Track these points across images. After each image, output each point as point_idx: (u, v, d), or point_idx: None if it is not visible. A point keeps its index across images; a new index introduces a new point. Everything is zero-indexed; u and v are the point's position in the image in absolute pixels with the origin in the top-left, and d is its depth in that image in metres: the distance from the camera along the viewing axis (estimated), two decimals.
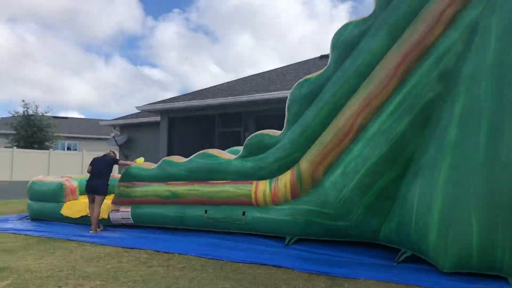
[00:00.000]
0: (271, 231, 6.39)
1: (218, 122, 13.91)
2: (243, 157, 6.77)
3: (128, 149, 17.89)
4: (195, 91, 15.62)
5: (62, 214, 8.41)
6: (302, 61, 16.95)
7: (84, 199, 9.05)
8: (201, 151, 7.26)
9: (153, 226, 7.53)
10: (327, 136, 5.91)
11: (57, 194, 8.55)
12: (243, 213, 6.60)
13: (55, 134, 30.56)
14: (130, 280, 4.59)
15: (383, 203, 5.48)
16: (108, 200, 8.20)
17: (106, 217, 7.90)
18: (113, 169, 8.04)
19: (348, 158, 5.68)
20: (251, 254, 5.68)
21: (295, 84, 6.34)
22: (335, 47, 5.98)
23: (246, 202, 6.59)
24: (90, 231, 7.53)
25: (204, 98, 13.61)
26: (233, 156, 7.02)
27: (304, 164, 6.09)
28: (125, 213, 7.73)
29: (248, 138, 6.75)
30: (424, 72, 5.22)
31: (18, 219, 9.23)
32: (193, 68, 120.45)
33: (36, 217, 8.94)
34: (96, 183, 7.59)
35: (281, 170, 6.34)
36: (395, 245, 5.48)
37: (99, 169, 7.71)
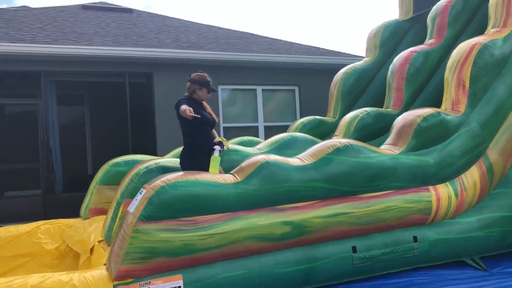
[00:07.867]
0: (451, 256, 4.35)
1: None
2: (414, 149, 4.21)
3: None
4: None
5: None
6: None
7: None
8: (335, 141, 3.92)
9: None
10: None
11: None
12: (415, 239, 4.17)
13: None
14: None
15: None
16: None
17: None
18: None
19: None
20: None
21: (478, 47, 4.51)
22: None
23: (418, 221, 4.19)
24: None
25: None
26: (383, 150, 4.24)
27: (494, 155, 4.52)
28: None
29: (424, 118, 4.23)
30: None
31: None
32: None
33: None
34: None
35: (466, 167, 4.42)
36: None
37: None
